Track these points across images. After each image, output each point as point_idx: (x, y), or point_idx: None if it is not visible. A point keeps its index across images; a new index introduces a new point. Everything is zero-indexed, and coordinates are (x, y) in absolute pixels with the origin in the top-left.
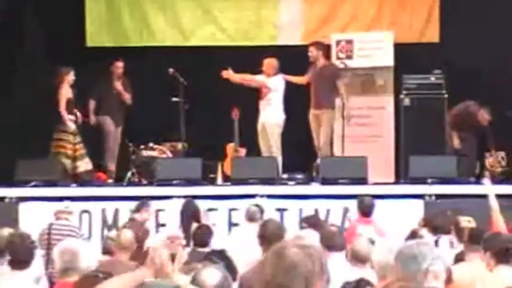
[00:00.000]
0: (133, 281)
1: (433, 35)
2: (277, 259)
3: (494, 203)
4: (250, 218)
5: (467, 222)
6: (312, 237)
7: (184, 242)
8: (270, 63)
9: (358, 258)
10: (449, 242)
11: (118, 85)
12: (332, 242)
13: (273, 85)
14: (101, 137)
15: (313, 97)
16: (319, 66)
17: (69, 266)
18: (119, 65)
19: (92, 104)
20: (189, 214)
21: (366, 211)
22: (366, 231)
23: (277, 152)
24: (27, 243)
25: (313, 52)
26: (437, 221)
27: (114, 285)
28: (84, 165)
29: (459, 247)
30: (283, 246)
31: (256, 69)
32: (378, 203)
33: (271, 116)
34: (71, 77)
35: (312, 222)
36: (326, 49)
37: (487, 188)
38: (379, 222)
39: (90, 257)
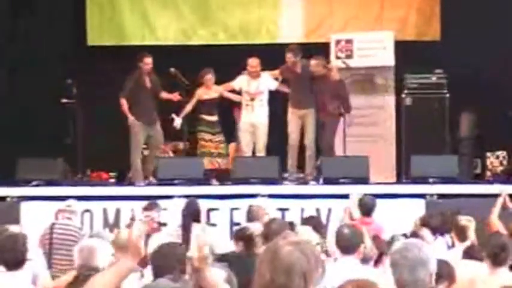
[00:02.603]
0: (117, 272)
1: (434, 33)
2: (274, 260)
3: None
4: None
5: (467, 221)
6: None
7: (181, 239)
8: (255, 62)
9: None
10: (446, 242)
11: (147, 82)
12: None
13: (263, 86)
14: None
15: (296, 97)
16: (300, 68)
17: (85, 263)
18: (148, 61)
19: (125, 103)
20: (189, 213)
21: (366, 210)
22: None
23: (264, 152)
24: (18, 246)
25: (290, 58)
26: (434, 221)
27: (97, 282)
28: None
29: (459, 247)
30: (277, 246)
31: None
32: (380, 202)
33: (264, 116)
34: (206, 79)
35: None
36: (303, 51)
37: (502, 191)
38: (378, 221)
39: (108, 257)
